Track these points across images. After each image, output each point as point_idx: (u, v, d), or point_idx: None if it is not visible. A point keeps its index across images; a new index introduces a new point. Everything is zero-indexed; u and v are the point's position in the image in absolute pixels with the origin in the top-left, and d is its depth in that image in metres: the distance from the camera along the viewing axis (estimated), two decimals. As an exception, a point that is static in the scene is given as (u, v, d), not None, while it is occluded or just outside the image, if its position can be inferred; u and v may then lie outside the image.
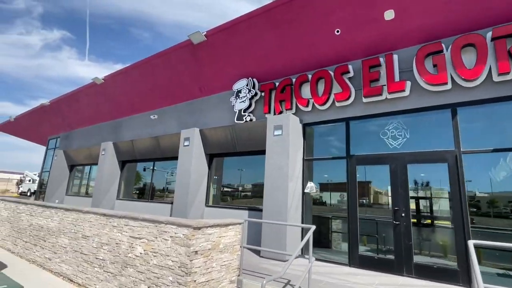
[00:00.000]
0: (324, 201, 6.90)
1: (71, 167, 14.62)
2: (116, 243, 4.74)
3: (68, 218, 5.90)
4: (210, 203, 8.36)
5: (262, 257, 6.02)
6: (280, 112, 7.04)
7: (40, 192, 17.06)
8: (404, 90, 5.44)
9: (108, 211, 5.15)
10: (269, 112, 7.27)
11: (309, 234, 3.83)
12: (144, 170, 11.67)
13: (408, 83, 5.45)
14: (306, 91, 6.82)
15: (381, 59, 5.82)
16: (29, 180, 40.91)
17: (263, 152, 7.36)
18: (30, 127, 17.83)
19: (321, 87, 6.57)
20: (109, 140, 12.05)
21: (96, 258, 5.00)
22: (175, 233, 3.97)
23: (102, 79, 10.92)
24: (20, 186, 40.91)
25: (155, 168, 10.38)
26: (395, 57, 5.70)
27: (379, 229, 5.84)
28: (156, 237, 4.18)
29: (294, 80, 7.01)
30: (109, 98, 11.76)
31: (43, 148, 18.26)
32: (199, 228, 3.87)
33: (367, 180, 6.05)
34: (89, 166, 13.64)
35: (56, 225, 6.18)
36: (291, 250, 5.75)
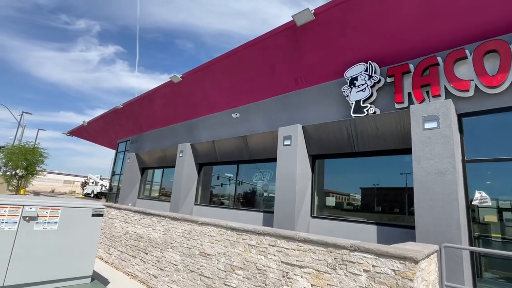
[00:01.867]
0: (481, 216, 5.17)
1: (143, 170, 14.43)
2: (258, 269, 3.58)
3: (177, 230, 4.96)
4: (315, 214, 7.03)
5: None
6: (423, 100, 5.49)
7: (109, 195, 17.35)
8: None
9: (240, 224, 4.04)
10: (403, 102, 5.76)
11: None
12: (218, 178, 10.80)
13: None
14: (463, 70, 5.19)
15: None
16: (92, 183, 43.78)
17: (395, 152, 5.88)
18: (101, 130, 18.35)
19: (492, 63, 4.90)
20: (183, 141, 11.46)
21: (226, 285, 3.90)
22: (374, 266, 2.66)
23: (180, 77, 10.32)
24: (84, 188, 43.98)
25: (238, 171, 9.38)
26: None
27: None
28: (334, 269, 2.91)
29: (441, 58, 5.43)
30: (185, 97, 11.16)
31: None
32: (416, 262, 2.51)
33: None
34: (162, 169, 13.24)
35: (161, 236, 5.29)
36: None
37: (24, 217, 3.67)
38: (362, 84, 6.37)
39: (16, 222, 3.61)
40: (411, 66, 5.80)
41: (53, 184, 63.87)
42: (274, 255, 3.48)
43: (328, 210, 7.03)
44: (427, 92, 5.50)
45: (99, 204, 4.48)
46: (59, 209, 3.97)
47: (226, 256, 4.04)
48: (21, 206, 3.67)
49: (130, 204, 13.58)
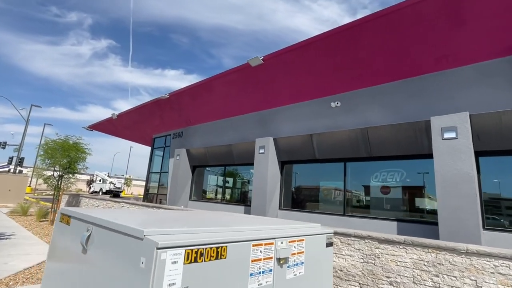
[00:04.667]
0: None
1: (194, 168, 12.81)
2: None
3: (400, 258, 3.45)
4: (486, 225, 5.60)
5: None
6: None
7: (146, 195, 15.67)
8: None
9: None
10: None
11: None
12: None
13: None
14: None
15: None
16: (100, 180, 41.82)
17: None
18: (133, 124, 16.57)
19: None
20: (255, 135, 9.92)
21: None
22: None
23: (262, 59, 8.69)
24: (91, 186, 41.96)
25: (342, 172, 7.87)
26: None
27: None
28: None
29: None
30: (261, 84, 9.55)
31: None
32: None
33: None
34: (223, 167, 11.65)
35: (357, 264, 3.79)
36: None
37: (278, 260, 2.13)
38: None
39: (271, 270, 2.06)
40: None
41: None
42: None
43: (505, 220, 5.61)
44: None
45: (318, 225, 2.95)
46: (303, 240, 2.43)
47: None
48: (273, 241, 2.12)
49: (182, 206, 11.98)
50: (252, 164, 9.89)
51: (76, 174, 11.32)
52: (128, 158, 68.65)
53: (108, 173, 42.95)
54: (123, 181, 44.09)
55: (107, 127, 18.23)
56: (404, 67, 6.93)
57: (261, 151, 9.15)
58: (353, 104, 7.87)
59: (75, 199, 11.55)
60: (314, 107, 8.68)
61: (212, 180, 12.34)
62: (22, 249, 6.69)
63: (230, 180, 11.42)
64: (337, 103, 8.13)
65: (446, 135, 5.72)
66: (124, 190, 43.40)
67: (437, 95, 6.44)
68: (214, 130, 11.87)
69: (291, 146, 8.92)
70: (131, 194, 49.25)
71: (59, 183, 10.67)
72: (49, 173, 10.95)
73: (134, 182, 57.63)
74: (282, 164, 9.38)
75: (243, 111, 10.81)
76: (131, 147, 51.58)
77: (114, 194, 38.74)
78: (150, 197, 15.17)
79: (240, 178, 10.92)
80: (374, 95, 7.50)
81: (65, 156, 10.29)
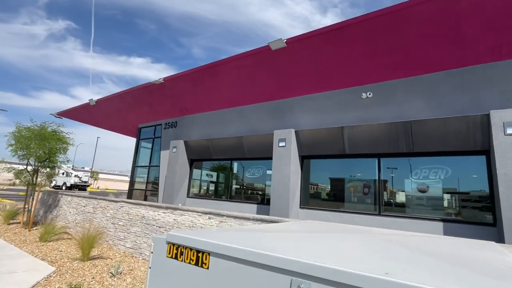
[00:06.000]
0: None
1: (192, 162, 11.57)
2: None
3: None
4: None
5: None
6: None
7: (131, 191, 14.05)
8: None
9: None
10: None
11: None
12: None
13: None
14: None
15: None
16: (63, 173, 38.16)
17: None
18: (115, 112, 14.71)
19: None
20: (267, 128, 9.06)
21: None
22: None
23: (285, 41, 7.78)
24: (53, 179, 38.05)
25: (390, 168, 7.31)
26: None
27: None
28: None
29: None
30: (278, 71, 8.64)
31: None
32: None
33: None
34: (229, 162, 10.59)
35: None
36: None
37: None
38: None
39: None
40: None
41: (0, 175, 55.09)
42: None
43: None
44: None
45: (493, 243, 2.21)
46: None
47: None
48: None
49: (180, 204, 10.77)
50: (266, 158, 9.04)
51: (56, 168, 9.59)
52: (94, 150, 63.71)
53: (73, 166, 39.28)
54: (89, 174, 40.64)
55: (82, 114, 16.07)
56: (450, 56, 6.45)
57: (281, 144, 8.29)
58: (389, 95, 7.30)
59: (52, 197, 9.81)
60: (342, 97, 8.00)
61: (215, 175, 11.25)
62: (2, 265, 5.22)
63: (237, 175, 10.42)
64: (369, 94, 7.52)
65: (510, 131, 5.32)
66: (90, 184, 40.04)
67: (494, 88, 6.03)
68: (218, 120, 10.75)
69: (316, 139, 8.18)
70: (98, 188, 45.67)
71: (34, 178, 8.93)
72: (21, 167, 9.14)
73: (100, 175, 53.55)
74: (302, 158, 8.62)
75: (255, 100, 9.83)
76: (98, 137, 47.51)
77: (80, 188, 35.61)
78: (136, 193, 13.64)
79: (250, 173, 9.98)
80: (415, 86, 6.97)
81: (43, 146, 8.58)
